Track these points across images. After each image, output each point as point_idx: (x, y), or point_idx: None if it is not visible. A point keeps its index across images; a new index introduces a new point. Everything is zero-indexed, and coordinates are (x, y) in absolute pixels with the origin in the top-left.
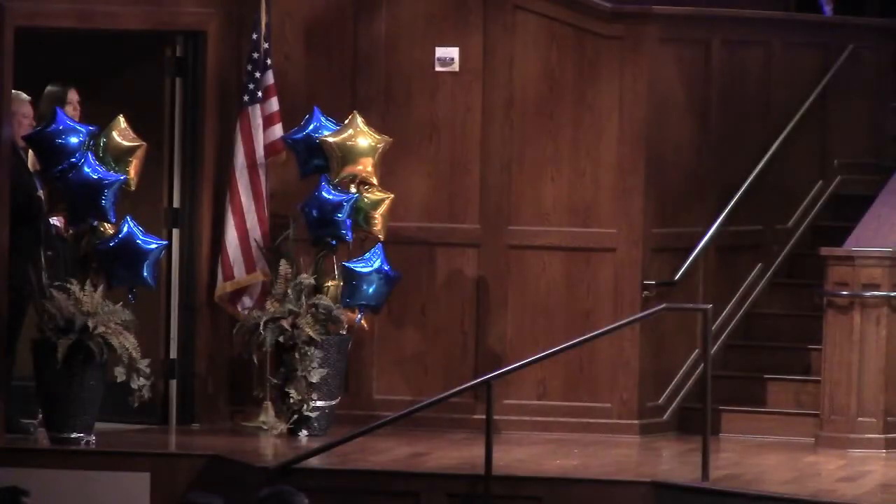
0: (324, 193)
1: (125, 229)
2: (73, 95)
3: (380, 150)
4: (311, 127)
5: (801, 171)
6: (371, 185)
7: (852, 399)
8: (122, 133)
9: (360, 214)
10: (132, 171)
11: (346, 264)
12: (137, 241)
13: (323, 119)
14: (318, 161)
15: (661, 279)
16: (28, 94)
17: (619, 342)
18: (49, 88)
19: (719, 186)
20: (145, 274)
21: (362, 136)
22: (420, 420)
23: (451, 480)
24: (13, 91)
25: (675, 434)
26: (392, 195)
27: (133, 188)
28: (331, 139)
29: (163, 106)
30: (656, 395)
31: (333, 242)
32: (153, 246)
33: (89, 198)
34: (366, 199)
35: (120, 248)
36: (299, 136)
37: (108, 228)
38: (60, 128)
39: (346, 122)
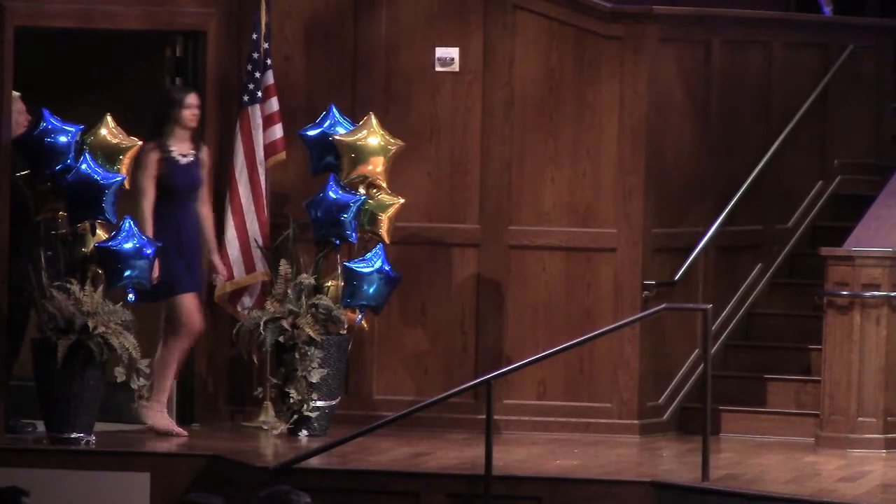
0: (331, 193)
1: (125, 229)
2: (192, 99)
3: (391, 153)
4: (326, 124)
5: (801, 171)
6: (380, 187)
7: (852, 399)
8: (111, 132)
9: (366, 216)
10: (123, 169)
11: (347, 264)
12: (137, 241)
13: (339, 116)
14: (331, 158)
15: (661, 279)
16: (28, 95)
17: (619, 342)
18: (171, 90)
19: (719, 186)
20: (145, 274)
21: (375, 137)
22: (420, 420)
23: (451, 480)
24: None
25: (675, 434)
26: (402, 200)
27: (128, 187)
28: (344, 139)
29: None
30: (656, 395)
31: (337, 242)
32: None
33: (90, 198)
34: (373, 201)
35: (120, 248)
36: (314, 132)
37: (102, 233)
38: (48, 128)
39: (362, 122)
